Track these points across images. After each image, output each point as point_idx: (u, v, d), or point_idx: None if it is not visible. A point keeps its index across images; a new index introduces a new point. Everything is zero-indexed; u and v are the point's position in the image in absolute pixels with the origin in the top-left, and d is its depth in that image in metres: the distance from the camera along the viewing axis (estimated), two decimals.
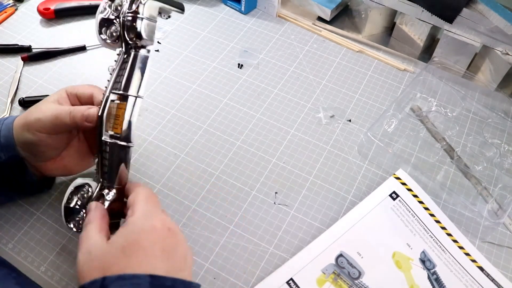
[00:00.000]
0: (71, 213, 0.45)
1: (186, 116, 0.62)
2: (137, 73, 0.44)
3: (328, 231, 0.51)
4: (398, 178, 0.55)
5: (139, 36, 0.44)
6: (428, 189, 0.55)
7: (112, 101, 0.44)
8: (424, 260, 0.49)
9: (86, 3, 0.74)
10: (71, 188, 0.45)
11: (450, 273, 0.48)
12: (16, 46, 0.69)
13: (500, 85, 0.66)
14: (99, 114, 0.44)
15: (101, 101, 0.45)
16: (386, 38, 0.75)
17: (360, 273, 0.48)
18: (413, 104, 0.65)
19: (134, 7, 0.44)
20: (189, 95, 0.65)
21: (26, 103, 0.61)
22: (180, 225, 0.52)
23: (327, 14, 0.75)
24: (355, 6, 0.75)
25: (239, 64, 0.69)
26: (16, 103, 0.62)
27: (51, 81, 0.65)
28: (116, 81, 0.44)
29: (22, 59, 0.67)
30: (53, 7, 0.73)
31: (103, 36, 0.47)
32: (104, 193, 0.43)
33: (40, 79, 0.65)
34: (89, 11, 0.75)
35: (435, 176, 0.57)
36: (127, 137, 0.43)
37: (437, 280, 0.48)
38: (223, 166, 0.57)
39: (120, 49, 0.46)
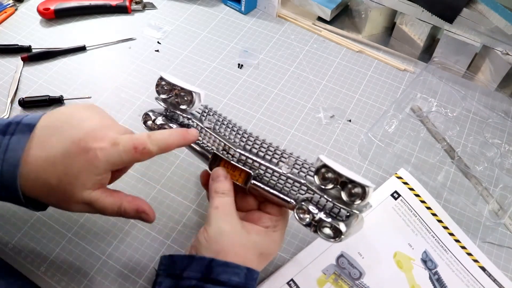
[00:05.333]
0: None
1: None
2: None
3: None
4: (399, 178, 0.55)
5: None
6: (428, 189, 0.54)
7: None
8: (426, 260, 0.49)
9: (86, 3, 0.74)
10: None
11: (451, 273, 0.48)
12: (16, 46, 0.68)
13: (500, 85, 0.66)
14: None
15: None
16: (386, 38, 0.75)
17: (361, 274, 0.48)
18: (413, 104, 0.65)
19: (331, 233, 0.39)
20: None
21: (26, 103, 0.61)
22: (180, 226, 0.51)
23: (327, 14, 0.75)
24: (355, 6, 0.75)
25: (239, 64, 0.69)
26: (16, 103, 0.62)
27: (51, 81, 0.65)
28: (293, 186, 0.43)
29: (22, 59, 0.67)
30: (53, 7, 0.73)
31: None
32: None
33: (40, 79, 0.65)
34: (89, 11, 0.75)
35: (435, 177, 0.57)
36: None
37: (439, 280, 0.48)
38: None
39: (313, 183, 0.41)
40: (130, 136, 0.40)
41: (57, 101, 0.62)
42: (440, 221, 0.52)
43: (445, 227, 0.51)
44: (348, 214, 0.40)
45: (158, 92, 0.49)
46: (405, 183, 0.54)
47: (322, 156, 0.40)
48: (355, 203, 0.39)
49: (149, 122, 0.49)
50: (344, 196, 0.39)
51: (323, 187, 0.40)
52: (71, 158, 0.37)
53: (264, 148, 0.44)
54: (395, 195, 0.54)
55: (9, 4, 0.76)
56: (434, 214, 0.52)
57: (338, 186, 0.39)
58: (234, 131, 0.46)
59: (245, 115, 0.63)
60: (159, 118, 0.49)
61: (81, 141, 0.37)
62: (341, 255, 0.49)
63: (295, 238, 0.51)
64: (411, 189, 0.54)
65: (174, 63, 0.69)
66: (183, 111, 0.48)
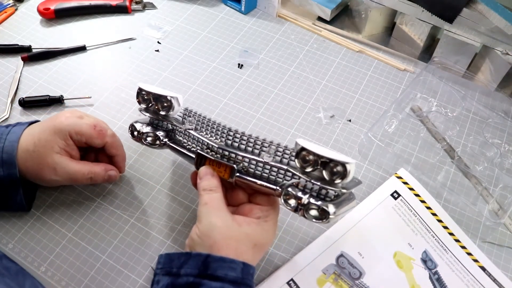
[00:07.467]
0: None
1: None
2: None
3: (329, 231, 0.51)
4: (399, 178, 0.55)
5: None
6: (428, 189, 0.54)
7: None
8: (426, 260, 0.49)
9: (86, 3, 0.74)
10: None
11: (451, 273, 0.48)
12: (16, 46, 0.68)
13: (500, 85, 0.66)
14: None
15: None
16: (386, 38, 0.75)
17: (361, 273, 0.48)
18: (413, 104, 0.65)
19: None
20: (189, 95, 0.65)
21: (26, 103, 0.61)
22: (180, 225, 0.52)
23: (327, 14, 0.75)
24: (355, 6, 0.75)
25: (239, 64, 0.69)
26: (16, 103, 0.62)
27: (51, 81, 0.65)
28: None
29: (22, 59, 0.67)
30: (53, 7, 0.73)
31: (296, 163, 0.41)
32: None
33: (40, 79, 0.65)
34: (89, 11, 0.75)
35: (435, 176, 0.57)
36: None
37: (439, 280, 0.48)
38: None
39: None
40: (95, 118, 0.51)
41: (57, 101, 0.62)
42: (440, 221, 0.52)
43: (445, 227, 0.51)
44: (336, 194, 0.40)
45: (139, 103, 0.50)
46: (405, 183, 0.54)
47: (300, 139, 0.41)
48: (339, 181, 0.39)
49: (135, 133, 0.50)
50: (326, 176, 0.39)
51: (306, 170, 0.40)
52: (43, 127, 0.48)
53: (244, 140, 0.45)
54: (395, 195, 0.54)
55: (9, 4, 0.76)
56: (434, 214, 0.52)
57: (320, 167, 0.39)
58: (215, 128, 0.47)
59: (245, 115, 0.63)
60: (145, 127, 0.50)
61: (53, 117, 0.49)
62: (341, 255, 0.49)
63: (295, 238, 0.51)
64: (411, 189, 0.54)
65: (174, 63, 0.69)
66: (165, 117, 0.49)
